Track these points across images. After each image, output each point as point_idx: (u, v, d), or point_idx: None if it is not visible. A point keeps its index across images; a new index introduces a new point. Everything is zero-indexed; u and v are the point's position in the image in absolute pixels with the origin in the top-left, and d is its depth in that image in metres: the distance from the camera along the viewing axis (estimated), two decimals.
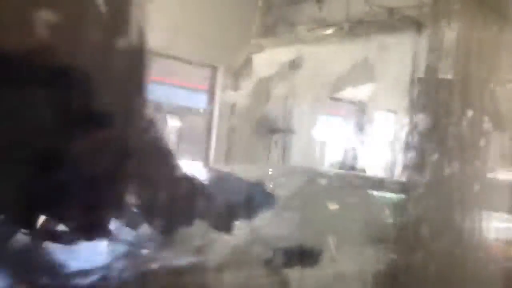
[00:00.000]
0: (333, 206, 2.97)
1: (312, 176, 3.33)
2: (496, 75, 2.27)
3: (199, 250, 1.98)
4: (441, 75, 2.05)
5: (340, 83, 4.40)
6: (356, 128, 4.94)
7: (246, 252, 2.24)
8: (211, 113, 4.86)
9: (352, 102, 5.17)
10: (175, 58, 4.21)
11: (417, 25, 3.56)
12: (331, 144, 5.18)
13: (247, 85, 4.56)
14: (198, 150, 4.83)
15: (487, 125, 2.14)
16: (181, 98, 4.92)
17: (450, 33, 2.08)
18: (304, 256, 2.33)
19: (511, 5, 2.36)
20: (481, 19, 2.16)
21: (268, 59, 4.57)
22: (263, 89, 4.60)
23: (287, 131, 4.93)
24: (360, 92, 4.52)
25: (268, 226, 2.63)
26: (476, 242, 2.04)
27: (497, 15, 2.22)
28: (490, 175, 2.14)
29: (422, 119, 1.90)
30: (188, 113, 4.92)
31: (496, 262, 2.17)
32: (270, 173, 3.50)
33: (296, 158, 4.84)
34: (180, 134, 3.96)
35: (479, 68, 2.12)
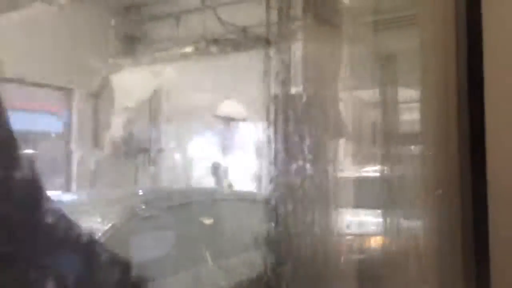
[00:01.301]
0: (206, 221, 3.03)
1: (180, 195, 3.34)
2: (338, 86, 2.49)
3: None
4: (292, 91, 2.21)
5: (203, 100, 4.50)
6: (222, 144, 5.06)
7: None
8: (68, 137, 4.65)
9: (217, 118, 5.30)
10: (27, 83, 3.98)
11: (267, 43, 3.78)
12: (199, 161, 5.24)
13: (107, 106, 4.45)
14: (59, 176, 4.58)
15: (333, 132, 2.34)
16: (36, 123, 4.64)
17: (297, 50, 2.25)
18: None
19: (345, 22, 2.61)
20: (322, 35, 2.36)
21: (128, 79, 4.52)
22: (125, 110, 4.52)
23: (154, 151, 4.90)
24: (224, 108, 4.66)
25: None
26: (334, 237, 2.22)
27: (335, 30, 2.45)
28: (339, 174, 2.33)
29: (279, 133, 2.03)
30: (44, 139, 4.66)
31: (351, 254, 2.39)
32: (139, 194, 3.45)
33: (165, 177, 4.83)
34: (38, 160, 3.72)
35: (323, 81, 2.31)
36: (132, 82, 4.60)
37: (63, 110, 4.77)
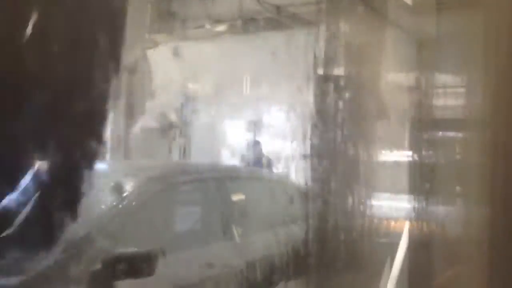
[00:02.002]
0: (237, 197, 3.06)
1: (210, 171, 3.36)
2: (379, 69, 2.47)
3: None
4: (333, 71, 2.20)
5: (236, 78, 4.51)
6: (256, 123, 5.07)
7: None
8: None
9: (251, 98, 5.30)
10: None
11: (304, 23, 3.76)
12: (232, 138, 5.26)
13: (142, 81, 4.50)
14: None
15: (374, 114, 2.33)
16: None
17: (340, 31, 2.23)
18: (136, 263, 2.09)
19: (389, 6, 2.58)
20: (365, 18, 2.35)
21: (162, 55, 4.55)
22: (159, 85, 4.57)
23: (185, 125, 4.94)
24: (257, 88, 4.66)
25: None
26: (365, 218, 2.23)
27: (379, 14, 2.43)
28: (377, 158, 2.33)
29: (320, 113, 2.03)
30: None
31: (380, 237, 2.41)
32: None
33: (197, 153, 4.88)
34: None
35: (366, 64, 2.30)
36: (166, 58, 4.63)
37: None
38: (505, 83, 1.29)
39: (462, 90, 2.36)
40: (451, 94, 2.67)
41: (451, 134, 2.59)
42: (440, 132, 2.65)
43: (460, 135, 2.29)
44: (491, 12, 1.48)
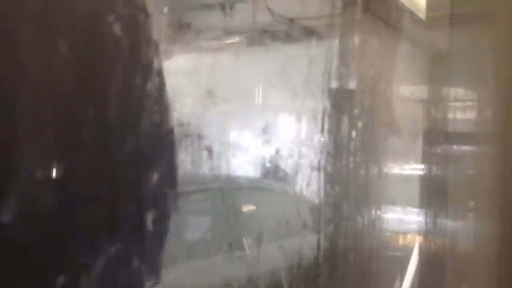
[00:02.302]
0: (247, 208, 3.05)
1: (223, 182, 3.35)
2: (391, 83, 2.48)
3: None
4: (345, 84, 2.21)
5: (251, 90, 4.53)
6: (269, 134, 5.07)
7: None
8: None
9: (265, 110, 5.31)
10: None
11: (316, 36, 3.78)
12: (246, 151, 5.25)
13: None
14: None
15: (385, 129, 2.33)
16: None
17: (353, 44, 2.25)
18: None
19: (402, 19, 2.59)
20: (378, 31, 2.36)
21: (177, 66, 4.59)
22: (173, 95, 4.61)
23: (197, 137, 4.97)
24: (270, 100, 4.68)
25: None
26: (377, 232, 2.22)
27: (392, 28, 2.44)
28: (388, 172, 2.33)
29: (332, 127, 2.04)
30: None
31: (390, 251, 2.40)
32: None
33: (213, 163, 4.89)
34: None
35: (379, 77, 2.31)
36: (181, 69, 4.67)
37: None
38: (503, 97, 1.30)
39: (474, 104, 2.36)
40: (464, 108, 2.67)
41: (463, 148, 2.58)
42: (453, 146, 2.64)
43: (472, 149, 2.29)
44: (503, 27, 1.48)
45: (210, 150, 4.69)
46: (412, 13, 2.73)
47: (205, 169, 4.88)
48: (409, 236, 2.76)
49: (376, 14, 2.40)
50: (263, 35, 4.51)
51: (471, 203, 2.17)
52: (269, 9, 4.42)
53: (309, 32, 3.99)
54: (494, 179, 1.52)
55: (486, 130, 1.73)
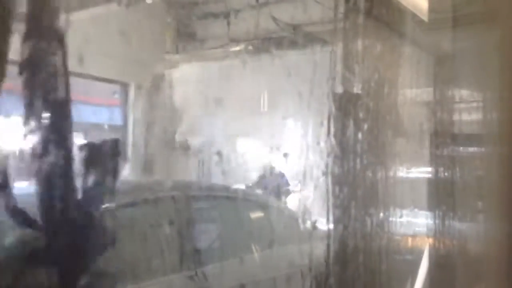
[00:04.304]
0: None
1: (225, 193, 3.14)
2: (397, 87, 2.48)
3: None
4: (350, 89, 2.22)
5: (254, 97, 4.56)
6: (275, 141, 5.09)
7: None
8: (125, 130, 4.82)
9: (269, 117, 5.32)
10: (84, 75, 4.15)
11: (320, 41, 3.80)
12: (251, 158, 5.25)
13: (160, 101, 4.57)
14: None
15: (391, 133, 2.34)
16: (92, 115, 4.82)
17: (356, 48, 2.26)
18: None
19: (404, 22, 2.60)
20: (381, 35, 2.37)
21: (181, 75, 4.63)
22: (177, 105, 4.64)
23: (200, 146, 4.99)
24: (275, 107, 4.70)
25: None
26: (386, 235, 2.22)
27: (395, 31, 2.45)
28: (395, 175, 2.33)
29: (337, 132, 2.05)
30: (98, 130, 4.84)
31: (400, 254, 2.40)
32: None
33: (215, 174, 4.91)
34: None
35: (383, 81, 2.32)
36: (185, 78, 4.70)
37: (120, 103, 4.94)
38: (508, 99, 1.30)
39: (479, 105, 2.36)
40: (469, 109, 2.67)
41: (470, 149, 2.58)
42: (459, 148, 2.64)
43: (479, 150, 2.28)
44: (506, 27, 1.49)
45: (208, 160, 4.68)
46: (414, 16, 2.74)
47: (210, 179, 4.85)
48: (418, 238, 2.76)
49: (379, 18, 2.41)
50: (267, 43, 4.54)
51: (480, 204, 2.17)
52: (273, 17, 4.45)
53: (313, 38, 4.01)
54: (501, 179, 1.52)
55: (492, 131, 1.73)
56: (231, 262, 2.71)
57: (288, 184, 4.73)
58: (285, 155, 4.46)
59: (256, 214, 3.25)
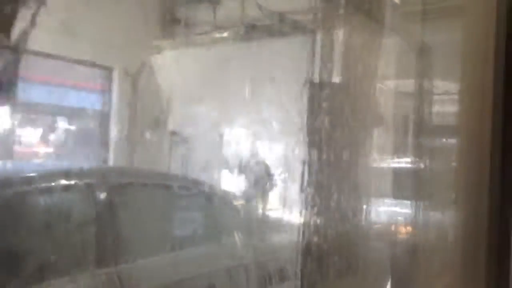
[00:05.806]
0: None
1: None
2: (376, 76, 2.51)
3: None
4: (331, 79, 2.23)
5: (239, 85, 4.55)
6: (255, 130, 5.09)
7: None
8: (108, 115, 4.78)
9: (251, 105, 5.32)
10: (66, 58, 4.10)
11: (305, 30, 3.81)
12: (233, 148, 5.24)
13: (145, 87, 4.55)
14: (94, 152, 4.72)
15: (369, 122, 2.36)
16: (73, 99, 4.78)
17: (337, 38, 2.27)
18: None
19: (384, 12, 2.61)
20: (360, 24, 2.38)
21: (166, 61, 4.60)
22: (161, 91, 4.62)
23: (185, 134, 4.98)
24: (258, 95, 4.69)
25: None
26: (364, 225, 2.25)
27: (373, 20, 2.46)
28: (373, 165, 2.36)
29: (313, 121, 2.06)
30: (81, 115, 4.80)
31: (376, 242, 2.44)
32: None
33: (200, 160, 4.90)
34: (73, 136, 3.88)
35: (362, 70, 2.33)
36: (170, 64, 4.68)
37: (103, 88, 4.90)
38: (489, 90, 1.32)
39: (457, 97, 2.39)
40: (448, 100, 2.70)
41: (447, 140, 2.61)
42: (437, 139, 2.68)
43: (453, 141, 2.32)
44: (472, 19, 1.51)
45: (190, 150, 4.67)
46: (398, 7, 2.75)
47: (192, 169, 4.84)
48: (393, 227, 2.80)
49: (360, 7, 2.42)
50: (251, 30, 4.53)
51: (453, 195, 2.20)
52: (258, 5, 4.44)
53: (295, 27, 4.01)
54: (469, 172, 1.55)
55: (462, 123, 1.76)
56: (154, 259, 2.46)
57: (271, 174, 4.75)
58: (266, 142, 4.48)
59: (194, 205, 3.00)
